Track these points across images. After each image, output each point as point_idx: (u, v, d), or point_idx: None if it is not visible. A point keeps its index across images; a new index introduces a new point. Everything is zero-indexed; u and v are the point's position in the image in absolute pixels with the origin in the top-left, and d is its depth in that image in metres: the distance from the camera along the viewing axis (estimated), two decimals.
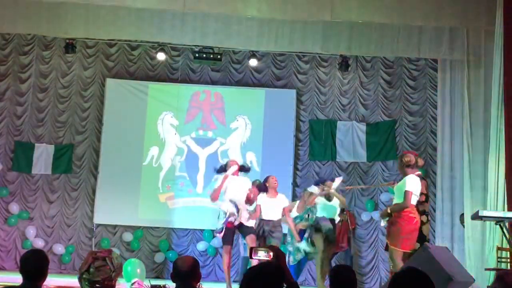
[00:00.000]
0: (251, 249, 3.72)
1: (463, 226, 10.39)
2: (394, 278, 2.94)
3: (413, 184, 7.58)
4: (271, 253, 3.65)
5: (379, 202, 12.34)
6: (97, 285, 3.53)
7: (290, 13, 10.17)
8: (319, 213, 9.34)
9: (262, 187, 9.27)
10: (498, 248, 8.99)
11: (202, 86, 13.06)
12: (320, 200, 9.39)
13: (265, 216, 9.27)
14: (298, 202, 10.56)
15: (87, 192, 12.70)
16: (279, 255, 3.63)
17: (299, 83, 13.09)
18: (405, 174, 7.71)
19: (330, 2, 9.79)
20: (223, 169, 9.10)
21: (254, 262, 4.71)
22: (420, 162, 8.03)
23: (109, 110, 12.80)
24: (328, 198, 9.37)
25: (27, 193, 12.59)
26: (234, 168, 8.91)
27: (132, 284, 8.37)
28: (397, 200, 7.63)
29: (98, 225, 12.56)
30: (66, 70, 12.95)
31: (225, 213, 8.87)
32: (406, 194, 7.49)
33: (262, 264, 3.20)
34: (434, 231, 11.67)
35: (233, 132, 12.90)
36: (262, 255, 3.68)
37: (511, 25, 9.39)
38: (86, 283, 3.56)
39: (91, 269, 3.55)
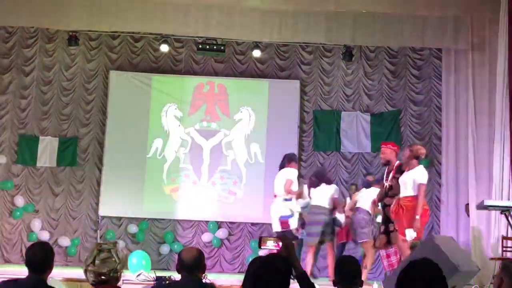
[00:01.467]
0: (260, 238, 3.71)
1: (468, 216, 10.37)
2: (405, 269, 2.93)
3: (425, 176, 7.60)
4: (280, 243, 3.64)
5: None
6: (103, 277, 3.54)
7: (293, 3, 10.15)
8: None
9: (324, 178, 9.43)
10: (503, 238, 8.99)
11: (206, 78, 13.04)
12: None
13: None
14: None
15: (92, 184, 12.71)
16: (288, 245, 3.62)
17: (303, 74, 13.07)
18: (410, 165, 7.70)
19: None
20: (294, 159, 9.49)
21: (260, 253, 4.70)
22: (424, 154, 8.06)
23: (113, 102, 12.80)
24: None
25: (32, 186, 12.61)
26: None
27: (138, 275, 8.40)
28: (407, 191, 7.61)
29: (103, 217, 12.58)
30: (69, 63, 12.94)
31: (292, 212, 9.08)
32: (422, 188, 7.50)
33: (268, 255, 3.19)
34: (439, 220, 11.67)
35: (237, 124, 12.89)
36: (271, 245, 3.66)
37: None
38: (92, 275, 3.56)
39: (97, 261, 3.55)
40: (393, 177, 8.08)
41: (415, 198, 7.54)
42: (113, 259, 3.56)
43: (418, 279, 2.85)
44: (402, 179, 7.75)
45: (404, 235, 7.51)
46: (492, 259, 8.97)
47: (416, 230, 7.43)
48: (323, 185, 9.34)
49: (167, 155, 12.74)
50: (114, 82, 12.86)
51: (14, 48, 12.82)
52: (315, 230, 9.20)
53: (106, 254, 3.56)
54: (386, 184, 8.21)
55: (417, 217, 7.41)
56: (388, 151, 8.38)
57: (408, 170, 7.74)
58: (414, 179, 7.57)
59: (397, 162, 8.26)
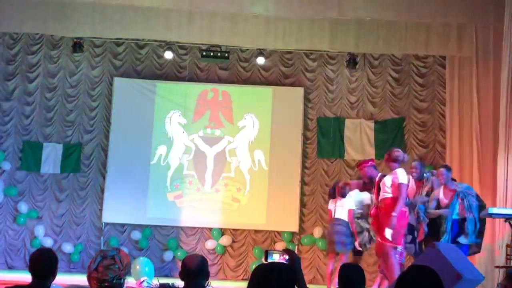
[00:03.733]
0: (266, 252, 3.70)
1: None
2: (401, 275, 2.93)
3: (405, 177, 7.60)
4: (286, 256, 3.63)
5: None
6: (106, 284, 3.53)
7: (297, 11, 10.16)
8: None
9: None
10: (508, 246, 8.96)
11: (210, 85, 13.05)
12: None
13: None
14: None
15: (96, 191, 12.72)
16: (294, 259, 3.61)
17: (307, 81, 13.06)
18: (391, 169, 7.69)
19: None
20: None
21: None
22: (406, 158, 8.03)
23: (117, 109, 12.81)
24: None
25: (36, 192, 12.62)
26: None
27: (141, 282, 8.38)
28: (386, 193, 7.59)
29: (107, 224, 12.58)
30: (73, 70, 12.97)
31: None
32: (402, 188, 7.48)
33: (272, 263, 3.19)
34: None
35: (241, 131, 12.88)
36: (276, 258, 3.65)
37: None
38: (95, 281, 3.56)
39: (100, 268, 3.55)
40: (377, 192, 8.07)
41: (394, 199, 7.54)
42: (117, 266, 3.55)
43: (414, 286, 2.84)
44: (382, 182, 7.72)
45: (384, 238, 7.47)
46: (496, 267, 8.95)
47: (392, 230, 7.40)
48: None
49: (171, 162, 12.74)
50: (118, 89, 12.88)
51: (19, 55, 12.86)
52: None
53: (109, 261, 3.55)
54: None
55: (394, 214, 7.38)
56: (366, 170, 8.46)
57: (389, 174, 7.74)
58: (393, 179, 7.57)
59: (378, 176, 8.27)
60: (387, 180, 7.63)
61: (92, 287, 3.59)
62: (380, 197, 7.69)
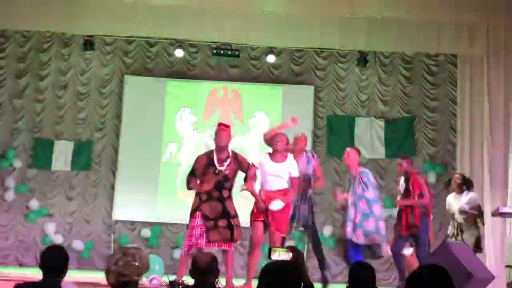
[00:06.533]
0: (270, 249, 3.71)
1: (483, 223, 10.30)
2: (413, 274, 2.92)
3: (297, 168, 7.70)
4: (290, 254, 3.64)
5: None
6: (122, 278, 3.57)
7: (308, 9, 10.14)
8: None
9: None
10: None
11: (220, 83, 13.06)
12: None
13: None
14: None
15: (106, 188, 12.76)
16: (298, 256, 3.62)
17: (317, 79, 13.05)
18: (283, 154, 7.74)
19: None
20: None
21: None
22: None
23: (128, 107, 12.85)
24: None
25: (47, 190, 12.67)
26: None
27: (151, 280, 8.41)
28: (281, 182, 7.57)
29: (117, 222, 12.61)
30: (84, 68, 13.02)
31: None
32: (296, 181, 7.60)
33: (281, 261, 3.19)
34: None
35: (251, 129, 12.89)
36: (281, 255, 3.66)
37: None
38: (113, 276, 3.60)
39: (119, 263, 3.59)
40: (231, 166, 7.93)
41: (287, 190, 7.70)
42: (136, 263, 3.59)
43: (426, 284, 2.83)
44: (277, 171, 7.80)
45: (284, 231, 7.53)
46: (507, 266, 8.92)
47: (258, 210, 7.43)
48: None
49: (181, 160, 12.76)
50: (129, 87, 12.91)
51: (30, 53, 12.91)
52: None
53: (129, 258, 3.59)
54: (222, 169, 7.90)
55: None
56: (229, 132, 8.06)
57: (282, 160, 7.84)
58: (289, 171, 7.62)
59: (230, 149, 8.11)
60: (283, 170, 7.83)
61: (109, 281, 3.63)
62: (276, 187, 7.66)
